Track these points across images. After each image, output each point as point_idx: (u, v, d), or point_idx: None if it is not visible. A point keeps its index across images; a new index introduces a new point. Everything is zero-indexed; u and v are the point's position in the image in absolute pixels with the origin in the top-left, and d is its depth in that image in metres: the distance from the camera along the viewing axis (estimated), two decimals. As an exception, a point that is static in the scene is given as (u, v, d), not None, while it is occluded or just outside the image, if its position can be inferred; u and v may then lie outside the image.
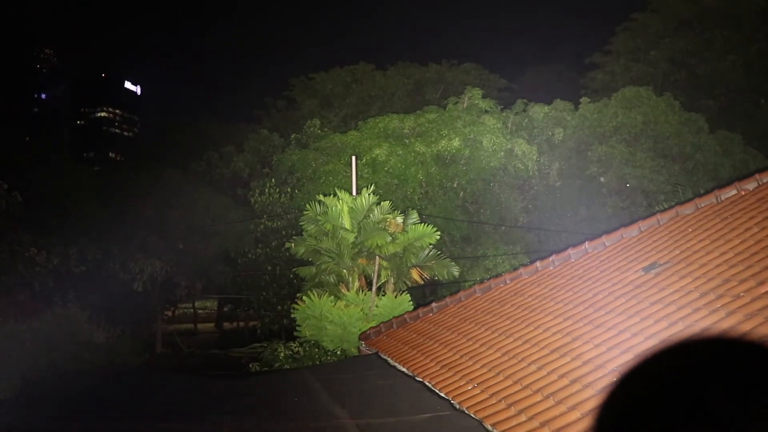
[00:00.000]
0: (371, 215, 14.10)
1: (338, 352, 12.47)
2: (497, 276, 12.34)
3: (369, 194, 14.35)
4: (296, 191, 27.98)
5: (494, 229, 22.77)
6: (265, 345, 18.62)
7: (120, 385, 9.51)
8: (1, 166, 22.34)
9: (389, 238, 13.53)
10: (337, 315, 13.01)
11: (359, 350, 11.35)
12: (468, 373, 7.01)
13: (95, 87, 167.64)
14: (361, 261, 14.15)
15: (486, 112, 26.45)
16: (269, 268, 28.34)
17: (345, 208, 14.32)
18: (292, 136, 34.24)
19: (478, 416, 5.92)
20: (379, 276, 14.08)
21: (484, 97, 27.92)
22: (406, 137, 25.01)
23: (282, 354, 13.17)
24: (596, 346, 6.26)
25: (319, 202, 14.68)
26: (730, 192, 8.84)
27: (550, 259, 9.91)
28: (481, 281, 14.98)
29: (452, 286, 17.95)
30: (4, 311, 14.18)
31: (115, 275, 27.34)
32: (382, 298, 13.58)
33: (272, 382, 9.39)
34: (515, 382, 6.25)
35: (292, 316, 14.29)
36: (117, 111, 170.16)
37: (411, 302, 13.33)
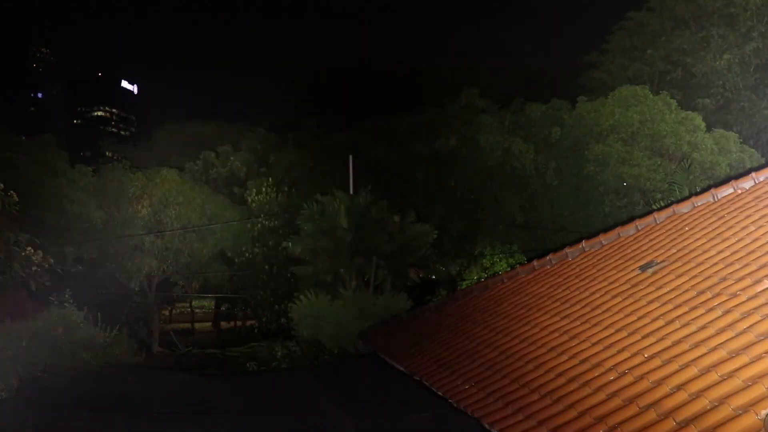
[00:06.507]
0: (369, 214, 14.09)
1: (335, 351, 12.47)
2: (495, 275, 12.33)
3: (367, 193, 14.34)
4: (293, 190, 27.95)
5: (491, 228, 22.75)
6: (263, 344, 18.59)
7: (118, 384, 9.50)
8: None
9: (387, 237, 13.53)
10: (335, 314, 13.01)
11: (356, 349, 11.36)
12: (465, 372, 7.01)
13: (92, 86, 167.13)
14: (359, 260, 14.14)
15: (483, 111, 26.44)
16: (266, 267, 28.29)
17: (342, 208, 14.32)
18: (290, 135, 34.17)
19: (476, 415, 5.92)
20: (376, 275, 14.08)
21: (481, 95, 27.91)
22: (403, 136, 24.99)
23: (279, 353, 13.16)
24: (593, 344, 6.27)
25: (317, 201, 14.66)
26: (727, 190, 8.86)
27: (548, 257, 9.91)
28: (479, 280, 14.99)
29: (450, 285, 17.95)
30: (0, 311, 14.14)
31: (111, 275, 27.27)
32: (380, 297, 13.57)
33: (270, 381, 9.39)
34: (513, 381, 6.25)
35: (289, 315, 14.27)
36: (113, 110, 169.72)
37: (408, 301, 13.33)
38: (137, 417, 6.97)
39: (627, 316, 6.56)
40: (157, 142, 47.50)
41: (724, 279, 6.32)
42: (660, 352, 5.49)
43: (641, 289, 7.07)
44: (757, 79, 25.22)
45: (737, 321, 5.40)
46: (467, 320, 8.97)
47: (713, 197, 8.88)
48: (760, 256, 6.38)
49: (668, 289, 6.72)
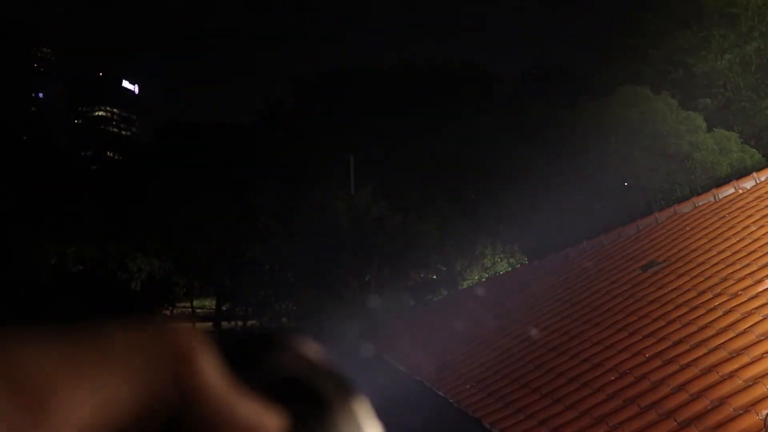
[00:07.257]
0: (369, 214, 14.07)
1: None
2: (495, 275, 12.34)
3: (367, 193, 14.28)
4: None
5: (492, 228, 22.76)
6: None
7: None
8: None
9: (387, 237, 13.53)
10: (338, 313, 13.01)
11: (358, 350, 11.36)
12: (466, 372, 7.02)
13: (93, 86, 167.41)
14: (360, 260, 14.14)
15: (484, 110, 26.45)
16: (267, 267, 28.31)
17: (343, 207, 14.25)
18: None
19: (476, 415, 5.92)
20: (377, 275, 14.08)
21: (481, 95, 27.91)
22: (403, 136, 24.99)
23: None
24: (594, 344, 6.27)
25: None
26: (728, 190, 8.86)
27: (549, 258, 9.92)
28: (480, 280, 15.00)
29: (451, 285, 17.95)
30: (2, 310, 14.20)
31: (113, 274, 27.30)
32: (381, 297, 13.59)
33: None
34: (513, 381, 6.26)
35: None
36: (115, 110, 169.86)
37: (410, 301, 13.34)
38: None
39: (628, 316, 6.56)
40: (159, 142, 47.50)
41: (725, 279, 6.32)
42: (661, 352, 5.48)
43: (642, 289, 7.07)
44: (758, 78, 25.22)
45: (738, 321, 5.40)
46: (468, 320, 8.97)
47: (714, 197, 8.88)
48: (761, 256, 6.38)
49: (669, 289, 6.72)
